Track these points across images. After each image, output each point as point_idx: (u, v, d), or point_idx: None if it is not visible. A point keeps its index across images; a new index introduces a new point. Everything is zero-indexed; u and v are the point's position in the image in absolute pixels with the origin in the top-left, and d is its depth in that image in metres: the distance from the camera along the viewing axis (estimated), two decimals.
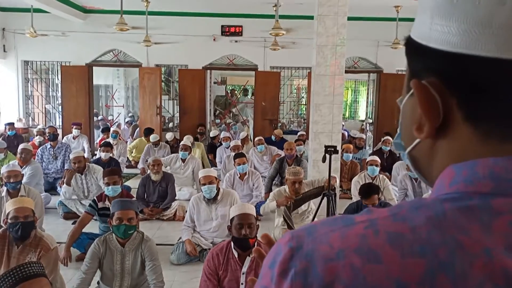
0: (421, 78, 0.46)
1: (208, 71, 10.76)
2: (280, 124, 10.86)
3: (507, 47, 0.40)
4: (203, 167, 7.09)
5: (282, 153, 6.96)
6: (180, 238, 4.39)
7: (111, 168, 4.88)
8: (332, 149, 4.30)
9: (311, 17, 5.88)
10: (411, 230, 0.40)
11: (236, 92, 15.07)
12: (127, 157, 8.70)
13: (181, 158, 6.77)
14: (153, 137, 8.29)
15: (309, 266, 0.41)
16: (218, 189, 4.41)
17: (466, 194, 0.42)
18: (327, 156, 4.30)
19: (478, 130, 0.44)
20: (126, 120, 13.05)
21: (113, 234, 3.14)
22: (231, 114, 14.44)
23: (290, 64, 10.56)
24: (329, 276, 0.40)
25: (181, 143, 6.98)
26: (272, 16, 8.80)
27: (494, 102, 0.42)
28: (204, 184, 4.34)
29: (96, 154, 8.40)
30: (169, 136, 8.94)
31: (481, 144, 0.44)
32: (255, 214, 3.01)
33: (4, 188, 4.48)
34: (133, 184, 6.72)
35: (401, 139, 0.53)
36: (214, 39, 10.28)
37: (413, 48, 0.49)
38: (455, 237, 0.39)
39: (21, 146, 6.03)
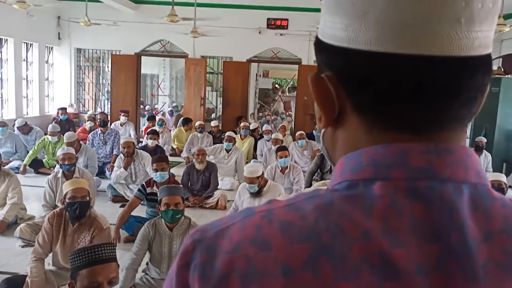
0: (321, 72, 0.48)
1: (256, 64, 10.83)
2: None
3: (383, 40, 0.42)
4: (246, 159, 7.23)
5: None
6: None
7: (160, 155, 5.05)
8: None
9: None
10: (301, 218, 0.43)
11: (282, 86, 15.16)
12: (172, 146, 8.94)
13: (225, 149, 6.92)
14: (198, 122, 8.68)
15: (209, 259, 0.43)
16: (260, 185, 4.44)
17: (352, 182, 0.44)
18: None
19: (364, 121, 0.46)
20: (169, 110, 13.38)
21: (162, 219, 3.28)
22: (272, 109, 14.52)
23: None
24: (225, 268, 0.41)
25: (225, 134, 7.12)
26: (318, 10, 8.72)
27: (376, 94, 0.44)
28: (246, 182, 4.44)
29: (141, 142, 8.69)
30: (214, 123, 9.31)
31: (367, 134, 0.46)
32: None
33: (60, 170, 4.73)
34: (176, 171, 6.90)
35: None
36: (259, 32, 10.33)
37: (316, 43, 0.51)
38: (337, 223, 0.41)
39: (65, 140, 6.07)
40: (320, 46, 0.49)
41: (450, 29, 0.42)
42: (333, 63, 0.47)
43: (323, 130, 0.52)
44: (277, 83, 15.46)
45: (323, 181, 4.77)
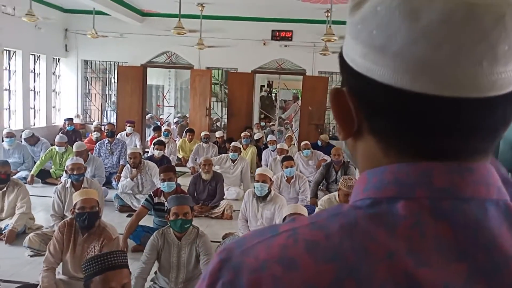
0: (344, 86, 0.50)
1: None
2: (329, 129, 10.85)
3: (399, 77, 0.43)
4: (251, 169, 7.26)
5: (328, 158, 6.98)
6: (225, 235, 4.69)
7: (167, 165, 5.09)
8: None
9: None
10: (326, 237, 0.43)
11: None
12: (177, 156, 8.99)
13: (231, 159, 6.96)
14: (203, 133, 8.76)
15: (236, 277, 0.43)
16: (269, 190, 4.53)
17: (375, 200, 0.45)
18: None
19: (379, 142, 0.47)
20: (174, 121, 13.47)
21: (171, 228, 3.31)
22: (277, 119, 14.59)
23: (339, 70, 10.52)
24: (253, 286, 0.42)
25: (231, 145, 7.16)
26: (323, 22, 8.84)
27: (390, 121, 0.45)
28: (257, 181, 4.47)
29: (147, 152, 8.74)
30: (218, 134, 9.44)
31: (384, 155, 0.47)
32: (306, 215, 3.09)
33: (69, 180, 4.78)
34: (182, 181, 6.90)
35: None
36: (264, 43, 10.43)
37: (340, 57, 0.51)
38: (362, 243, 0.42)
39: (74, 150, 6.20)
40: (342, 63, 0.50)
41: (469, 72, 0.41)
42: (352, 84, 0.48)
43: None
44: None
45: (328, 195, 4.72)
